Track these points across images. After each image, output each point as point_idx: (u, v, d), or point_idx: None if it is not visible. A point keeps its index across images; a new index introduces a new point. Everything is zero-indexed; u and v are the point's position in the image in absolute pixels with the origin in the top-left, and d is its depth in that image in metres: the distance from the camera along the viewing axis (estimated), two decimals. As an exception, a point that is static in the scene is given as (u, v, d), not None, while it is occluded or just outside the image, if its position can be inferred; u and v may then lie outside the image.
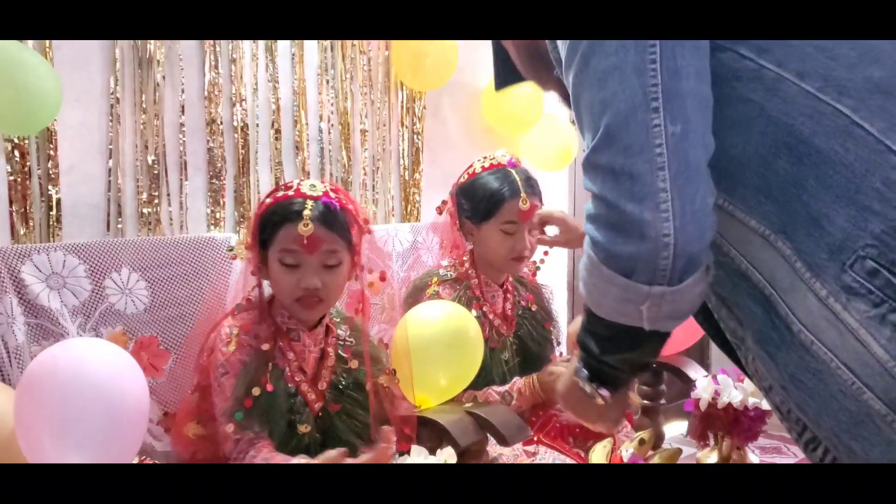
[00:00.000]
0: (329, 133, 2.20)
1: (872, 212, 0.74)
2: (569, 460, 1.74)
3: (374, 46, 2.28)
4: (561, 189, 2.90)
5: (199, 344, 1.51)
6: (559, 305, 2.81)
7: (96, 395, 1.15)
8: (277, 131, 2.08)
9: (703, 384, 1.55)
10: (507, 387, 1.79)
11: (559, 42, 0.85)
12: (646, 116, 0.76)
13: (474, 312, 1.82)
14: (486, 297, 1.90)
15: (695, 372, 1.92)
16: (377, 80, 2.30)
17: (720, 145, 0.80)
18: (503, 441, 1.56)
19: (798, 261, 0.77)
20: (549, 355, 1.96)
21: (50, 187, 1.71)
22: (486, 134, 2.59)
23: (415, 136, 2.42)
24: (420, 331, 1.65)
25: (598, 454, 1.61)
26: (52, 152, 1.71)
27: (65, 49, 1.72)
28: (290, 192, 1.43)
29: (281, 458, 1.33)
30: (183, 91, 1.90)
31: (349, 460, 1.21)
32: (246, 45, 2.00)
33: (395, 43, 2.28)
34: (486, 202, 1.82)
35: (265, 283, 1.50)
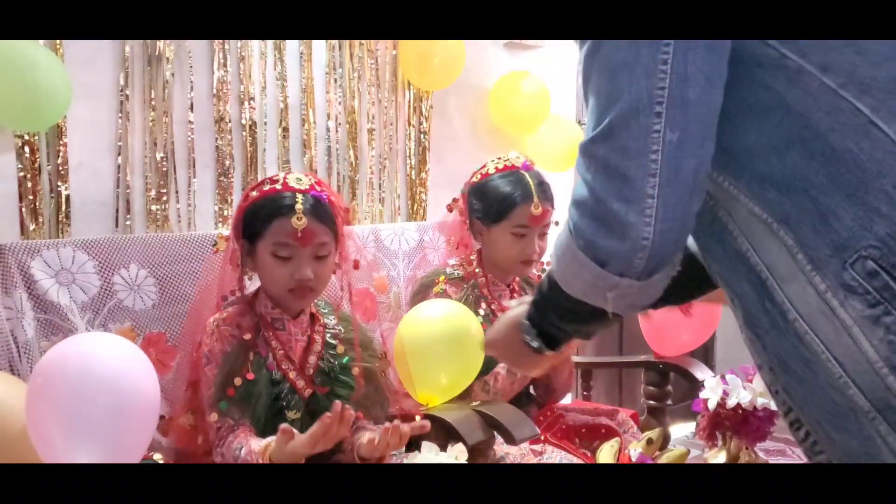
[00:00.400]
0: (336, 132, 2.20)
1: (880, 214, 0.74)
2: (576, 460, 1.74)
3: (382, 46, 2.28)
4: (567, 189, 2.90)
5: (192, 339, 1.55)
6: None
7: (107, 389, 1.15)
8: (285, 129, 2.08)
9: (712, 384, 1.55)
10: (489, 380, 1.80)
11: None
12: (647, 121, 0.78)
13: (482, 311, 1.83)
14: (493, 296, 1.90)
15: (701, 373, 1.92)
16: (384, 79, 2.30)
17: (733, 128, 0.81)
18: (510, 440, 1.56)
19: (799, 252, 0.78)
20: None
21: (59, 183, 1.71)
22: (493, 134, 2.59)
23: (422, 136, 2.42)
24: (420, 329, 1.65)
25: (606, 454, 1.61)
26: (61, 149, 1.71)
27: (75, 46, 1.72)
28: (278, 186, 1.47)
29: (256, 441, 1.36)
30: (192, 89, 1.90)
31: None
32: (254, 43, 2.00)
33: (402, 42, 2.28)
34: (497, 205, 1.82)
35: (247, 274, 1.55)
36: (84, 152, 1.76)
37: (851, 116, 0.76)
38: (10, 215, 1.66)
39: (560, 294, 0.91)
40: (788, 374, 0.82)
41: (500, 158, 1.89)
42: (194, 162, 1.92)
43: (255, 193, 1.49)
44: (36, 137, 1.67)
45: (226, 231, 1.93)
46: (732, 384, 1.53)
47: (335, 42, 2.16)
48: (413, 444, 1.45)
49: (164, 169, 1.86)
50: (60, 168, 1.71)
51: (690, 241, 0.94)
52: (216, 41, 1.92)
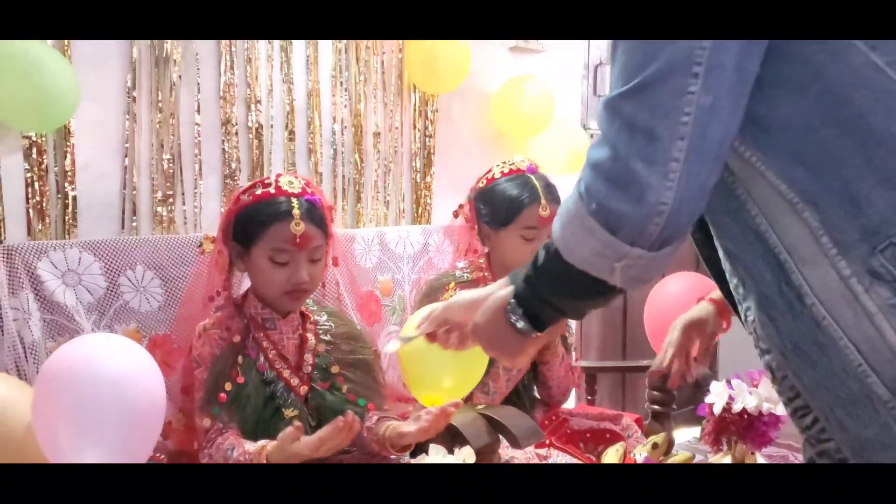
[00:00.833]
0: (342, 135, 2.20)
1: None
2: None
3: (388, 50, 2.28)
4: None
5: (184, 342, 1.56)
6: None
7: (113, 390, 1.16)
8: (291, 132, 2.08)
9: (718, 389, 1.55)
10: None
11: None
12: (684, 81, 0.74)
13: None
14: None
15: (705, 381, 1.92)
16: (390, 82, 2.30)
17: (768, 101, 0.78)
18: (516, 443, 1.56)
19: (825, 235, 0.76)
20: (563, 355, 1.96)
21: (66, 185, 1.71)
22: (497, 138, 2.59)
23: (427, 139, 2.42)
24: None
25: (611, 458, 1.61)
26: (68, 150, 1.71)
27: (83, 48, 1.72)
28: (272, 190, 1.47)
29: (249, 443, 1.37)
30: (199, 91, 1.90)
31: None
32: (261, 46, 2.00)
33: (408, 46, 2.28)
34: (505, 208, 1.82)
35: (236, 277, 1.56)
36: (91, 153, 1.76)
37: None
38: (17, 216, 1.66)
39: (560, 264, 0.85)
40: (801, 359, 0.80)
41: (504, 162, 1.90)
42: (201, 164, 1.92)
43: (246, 197, 1.49)
44: (43, 139, 1.68)
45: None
46: (738, 389, 1.52)
47: (341, 45, 2.17)
48: (420, 448, 1.45)
49: (171, 171, 1.86)
50: (67, 169, 1.71)
51: None
52: (223, 43, 1.93)
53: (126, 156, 1.80)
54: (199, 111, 1.91)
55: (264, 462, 1.31)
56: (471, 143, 2.55)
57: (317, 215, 1.49)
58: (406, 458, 1.50)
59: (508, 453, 1.70)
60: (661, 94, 0.75)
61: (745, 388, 1.52)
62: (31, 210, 1.67)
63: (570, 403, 2.14)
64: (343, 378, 1.53)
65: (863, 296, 0.75)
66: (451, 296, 1.84)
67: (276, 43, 2.03)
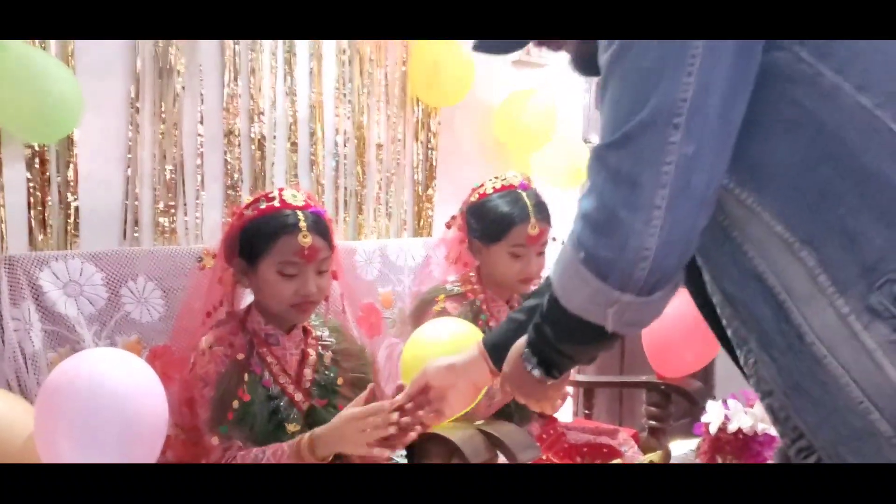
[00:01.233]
0: (345, 146, 2.21)
1: None
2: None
3: (392, 62, 2.29)
4: (571, 207, 2.91)
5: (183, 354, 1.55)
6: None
7: (116, 404, 1.16)
8: (294, 144, 2.09)
9: (714, 409, 1.56)
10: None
11: None
12: (665, 130, 0.77)
13: (480, 327, 1.83)
14: (492, 313, 1.91)
15: (702, 398, 1.93)
16: (393, 94, 2.31)
17: (761, 143, 0.80)
18: (513, 459, 1.56)
19: (822, 274, 0.77)
20: None
21: (69, 194, 1.72)
22: (499, 150, 2.60)
23: (429, 151, 2.43)
24: (426, 350, 1.65)
25: (608, 475, 1.61)
26: (71, 160, 1.72)
27: (87, 58, 1.73)
28: (276, 204, 1.48)
29: (269, 451, 1.39)
30: (202, 102, 1.91)
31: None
32: (265, 57, 2.01)
33: (411, 59, 2.29)
34: (495, 225, 1.83)
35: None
36: (94, 163, 1.76)
37: (887, 137, 0.75)
38: (19, 226, 1.66)
39: (560, 312, 0.90)
40: (803, 398, 0.81)
41: (497, 178, 1.90)
42: (203, 175, 1.93)
43: (250, 212, 1.49)
44: (46, 148, 1.68)
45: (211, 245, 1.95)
46: (734, 409, 1.53)
47: (345, 58, 2.18)
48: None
49: (173, 181, 1.87)
50: (70, 179, 1.72)
51: None
52: (227, 54, 1.94)
53: (129, 166, 1.81)
54: (202, 122, 1.91)
55: (304, 445, 1.35)
56: (473, 155, 2.56)
57: (322, 227, 1.50)
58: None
59: (506, 469, 1.70)
60: (644, 143, 0.78)
61: (740, 409, 1.53)
62: (32, 220, 1.68)
63: (566, 417, 2.15)
64: (341, 396, 1.53)
65: (862, 333, 0.75)
66: (441, 308, 1.86)
67: (280, 54, 2.05)
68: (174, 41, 1.84)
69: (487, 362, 1.21)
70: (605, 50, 0.81)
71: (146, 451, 1.19)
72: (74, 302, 1.59)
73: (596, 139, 2.85)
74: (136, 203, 1.83)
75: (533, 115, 2.52)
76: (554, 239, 1.94)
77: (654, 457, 1.65)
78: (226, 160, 1.97)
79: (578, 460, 1.89)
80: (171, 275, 1.72)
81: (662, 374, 2.08)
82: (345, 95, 2.19)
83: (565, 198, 2.82)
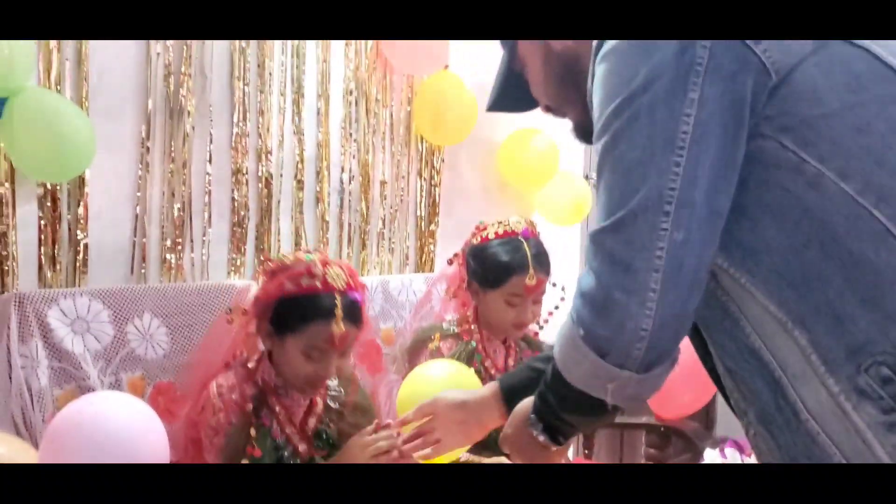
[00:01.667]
0: (350, 183, 2.25)
1: (892, 316, 0.76)
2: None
3: (397, 101, 2.33)
4: (574, 244, 2.94)
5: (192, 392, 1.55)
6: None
7: (119, 449, 1.18)
8: (300, 182, 2.13)
9: (712, 457, 1.57)
10: None
11: (594, 98, 0.88)
12: (656, 219, 0.81)
13: (474, 367, 1.85)
14: (487, 353, 1.92)
15: (700, 439, 1.94)
16: (398, 133, 2.35)
17: (752, 226, 0.83)
18: None
19: (813, 353, 0.79)
20: None
21: (78, 232, 1.75)
22: (502, 188, 2.63)
23: (433, 188, 2.46)
24: (422, 390, 1.66)
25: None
26: (82, 198, 1.76)
27: (100, 98, 1.77)
28: (317, 283, 1.44)
29: None
30: (211, 141, 1.95)
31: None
32: (274, 98, 2.05)
33: (416, 98, 2.33)
34: (494, 272, 1.85)
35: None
36: (104, 201, 1.80)
37: (869, 223, 0.77)
38: (29, 263, 1.69)
39: (562, 384, 0.93)
40: None
41: (500, 223, 1.90)
42: (210, 212, 1.96)
43: (290, 285, 1.45)
44: (58, 187, 1.72)
45: (240, 280, 1.98)
46: (731, 458, 1.55)
47: (352, 98, 2.22)
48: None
49: (181, 219, 1.91)
50: (80, 217, 1.75)
51: None
52: (237, 95, 1.98)
53: (138, 204, 1.84)
54: (210, 161, 1.95)
55: None
56: (476, 192, 2.59)
57: (356, 314, 1.48)
58: None
59: None
60: (636, 231, 0.82)
61: (737, 458, 1.54)
62: (43, 256, 1.71)
63: (567, 458, 2.15)
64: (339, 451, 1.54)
65: (852, 413, 0.77)
66: (436, 347, 1.88)
67: (289, 94, 2.09)
68: (185, 81, 1.88)
69: (500, 406, 1.23)
70: (599, 137, 0.86)
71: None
72: (81, 339, 1.62)
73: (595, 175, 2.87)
74: (145, 240, 1.86)
75: (535, 153, 2.55)
76: (554, 285, 1.96)
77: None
78: (233, 198, 2.00)
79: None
80: (177, 312, 1.75)
81: (661, 415, 2.09)
82: (351, 135, 2.23)
83: (569, 233, 2.85)
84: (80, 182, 1.75)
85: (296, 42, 2.08)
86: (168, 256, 1.90)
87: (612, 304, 0.84)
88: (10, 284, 1.66)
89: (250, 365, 1.49)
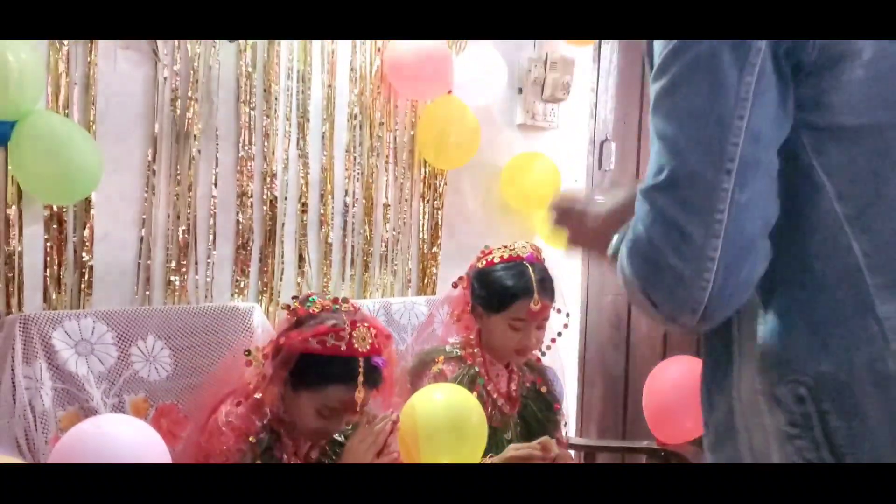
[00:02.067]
0: (353, 206, 2.26)
1: (827, 349, 0.76)
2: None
3: (401, 126, 2.35)
4: (576, 268, 2.95)
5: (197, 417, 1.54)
6: (569, 382, 2.83)
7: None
8: (304, 205, 2.14)
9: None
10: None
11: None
12: (716, 177, 0.73)
13: (475, 391, 1.85)
14: (489, 377, 1.93)
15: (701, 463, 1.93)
16: (402, 158, 2.37)
17: None
18: None
19: (759, 348, 0.79)
20: (554, 437, 1.98)
21: (84, 254, 1.77)
22: (505, 211, 2.65)
23: (435, 211, 2.48)
24: (423, 415, 1.67)
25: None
26: (88, 220, 1.77)
27: (108, 122, 1.80)
28: (342, 347, 1.42)
29: None
30: (217, 164, 1.97)
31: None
32: (279, 123, 2.07)
33: (420, 123, 2.35)
34: (498, 296, 1.85)
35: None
36: (110, 224, 1.82)
37: (843, 254, 0.77)
38: (35, 285, 1.71)
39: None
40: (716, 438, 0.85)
41: (506, 247, 1.91)
42: (215, 234, 1.97)
43: (315, 343, 1.42)
44: (65, 209, 1.74)
45: (243, 302, 1.99)
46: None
47: (356, 122, 2.24)
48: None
49: (186, 241, 1.92)
50: (86, 239, 1.77)
51: None
52: (242, 120, 2.00)
53: (143, 226, 1.86)
54: (216, 184, 1.97)
55: None
56: (478, 216, 2.61)
57: (377, 378, 1.48)
58: None
59: None
60: (693, 189, 0.74)
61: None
62: (48, 278, 1.72)
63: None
64: None
65: (766, 413, 0.78)
66: (439, 370, 1.88)
67: (294, 119, 2.11)
68: (192, 105, 1.90)
69: None
70: (656, 80, 0.78)
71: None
72: (85, 360, 1.63)
73: (601, 199, 2.89)
74: (149, 262, 1.87)
75: (538, 177, 2.57)
76: (559, 311, 1.97)
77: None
78: (238, 220, 2.02)
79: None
80: (180, 334, 1.76)
81: (662, 439, 2.09)
82: (355, 158, 2.25)
83: (568, 259, 2.86)
84: (87, 204, 1.77)
85: (301, 67, 2.11)
86: (172, 278, 1.91)
87: (665, 267, 0.75)
88: (16, 305, 1.67)
89: (258, 396, 1.47)
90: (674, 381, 2.06)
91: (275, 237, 2.09)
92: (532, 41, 2.61)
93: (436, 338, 2.21)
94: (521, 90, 2.64)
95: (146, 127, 1.86)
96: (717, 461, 0.85)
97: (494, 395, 1.91)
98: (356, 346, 1.43)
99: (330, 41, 2.15)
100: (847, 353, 0.75)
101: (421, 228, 2.46)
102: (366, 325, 1.46)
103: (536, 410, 1.97)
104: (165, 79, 1.87)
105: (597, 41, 2.78)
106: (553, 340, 2.03)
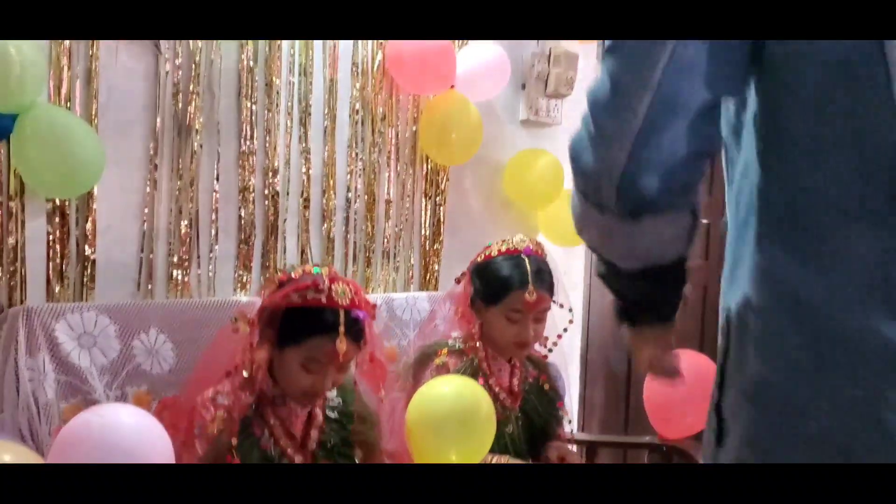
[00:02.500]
0: (355, 202, 2.27)
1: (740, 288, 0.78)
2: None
3: (403, 122, 2.36)
4: (577, 265, 2.95)
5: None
6: (572, 379, 2.83)
7: (125, 458, 1.19)
8: (306, 200, 2.14)
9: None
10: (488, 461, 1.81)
11: None
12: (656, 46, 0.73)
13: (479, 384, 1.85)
14: (492, 371, 1.93)
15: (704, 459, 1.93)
16: (404, 153, 2.37)
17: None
18: None
19: (723, 359, 0.83)
20: (556, 432, 1.98)
21: (86, 247, 1.77)
22: (507, 208, 2.65)
23: (437, 207, 2.48)
24: (431, 407, 1.67)
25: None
26: (90, 214, 1.78)
27: (109, 116, 1.80)
28: (323, 299, 1.45)
29: None
30: (219, 159, 1.97)
31: None
32: (281, 118, 2.08)
33: (422, 119, 2.35)
34: (494, 287, 1.87)
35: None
36: (112, 218, 1.82)
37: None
38: (38, 278, 1.71)
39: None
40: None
41: (504, 241, 1.92)
42: (217, 229, 1.98)
43: (296, 298, 1.46)
44: (67, 203, 1.74)
45: (246, 297, 1.99)
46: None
47: (358, 117, 2.24)
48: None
49: (188, 236, 1.92)
50: (88, 233, 1.77)
51: None
52: (244, 114, 2.00)
53: (145, 221, 1.86)
54: (217, 178, 1.97)
55: None
56: (480, 212, 2.61)
57: (359, 331, 1.50)
58: None
59: None
60: (633, 48, 0.74)
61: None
62: (51, 272, 1.73)
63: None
64: (346, 458, 1.55)
65: (710, 424, 0.84)
66: (442, 363, 1.89)
67: (296, 114, 2.11)
68: (194, 99, 1.90)
69: None
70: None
71: None
72: (88, 353, 1.63)
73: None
74: (152, 256, 1.88)
75: (540, 174, 2.57)
76: (561, 306, 1.97)
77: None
78: (240, 215, 2.02)
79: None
80: (183, 327, 1.76)
81: (664, 435, 2.09)
82: (357, 154, 2.25)
83: (573, 254, 2.86)
84: (89, 198, 1.77)
85: (303, 61, 2.11)
86: (175, 273, 1.91)
87: (596, 125, 0.77)
88: (19, 298, 1.68)
89: (245, 374, 1.49)
90: (676, 375, 2.05)
91: (277, 232, 2.09)
92: (534, 37, 2.61)
93: (439, 334, 2.21)
94: (524, 86, 2.64)
95: (148, 121, 1.86)
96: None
97: (496, 389, 1.91)
98: (336, 299, 1.46)
99: (332, 36, 2.16)
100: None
101: (423, 225, 2.46)
102: (345, 282, 1.50)
103: (538, 405, 1.97)
104: (167, 73, 1.87)
105: (599, 37, 2.78)
106: (559, 337, 2.03)
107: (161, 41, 1.86)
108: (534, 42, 2.63)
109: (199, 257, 1.95)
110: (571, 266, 2.90)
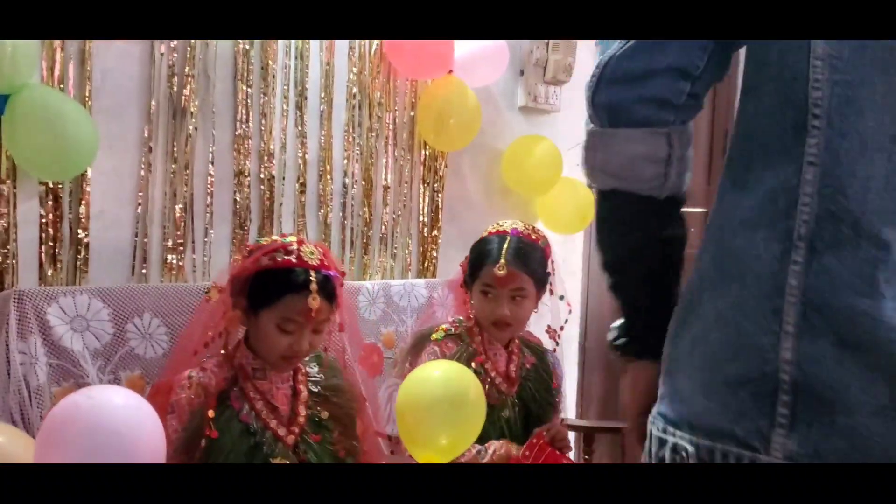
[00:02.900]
0: (352, 188, 2.25)
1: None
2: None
3: (400, 107, 2.34)
4: (576, 252, 2.93)
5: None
6: (570, 366, 2.81)
7: (115, 441, 1.17)
8: (303, 185, 2.13)
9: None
10: (487, 448, 1.80)
11: None
12: None
13: (473, 366, 1.85)
14: (487, 354, 1.93)
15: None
16: (402, 139, 2.35)
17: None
18: None
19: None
20: (552, 419, 1.97)
21: (80, 231, 1.76)
22: (505, 195, 2.63)
23: (436, 194, 2.46)
24: (420, 390, 1.67)
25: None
26: (84, 197, 1.76)
27: (103, 98, 1.78)
28: (293, 259, 1.48)
29: None
30: (214, 142, 1.95)
31: None
32: (277, 101, 2.06)
33: (420, 104, 2.33)
34: (473, 263, 1.94)
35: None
36: (106, 201, 1.80)
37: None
38: (30, 261, 1.70)
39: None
40: None
41: (498, 223, 1.98)
42: (212, 214, 1.96)
43: (266, 260, 1.48)
44: (60, 186, 1.72)
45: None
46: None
47: (355, 102, 2.22)
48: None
49: (182, 220, 1.91)
50: (82, 216, 1.76)
51: None
52: (239, 98, 1.98)
53: (139, 204, 1.85)
54: (212, 162, 1.95)
55: None
56: (479, 199, 2.59)
57: (331, 290, 1.51)
58: None
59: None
60: None
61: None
62: (43, 255, 1.71)
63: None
64: (329, 431, 1.55)
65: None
66: (439, 337, 1.90)
67: (292, 98, 2.09)
68: (188, 82, 1.88)
69: None
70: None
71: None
72: (80, 337, 1.62)
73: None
74: (146, 240, 1.86)
75: (539, 160, 2.55)
76: (552, 293, 1.97)
77: None
78: (235, 199, 2.00)
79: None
80: (177, 312, 1.75)
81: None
82: (354, 139, 2.23)
83: (572, 241, 2.85)
84: (82, 181, 1.76)
85: (299, 44, 2.09)
86: (169, 257, 1.90)
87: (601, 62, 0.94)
88: (11, 282, 1.66)
89: (223, 350, 1.51)
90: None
91: (273, 217, 2.08)
92: (533, 22, 2.58)
93: (437, 321, 2.21)
94: (522, 72, 2.62)
95: (142, 103, 1.84)
96: None
97: (493, 374, 1.91)
98: (305, 259, 1.48)
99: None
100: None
101: (421, 212, 2.44)
102: (314, 244, 1.53)
103: (535, 391, 1.96)
104: (162, 55, 1.85)
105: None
106: (561, 328, 2.03)
107: (155, 23, 1.84)
108: (533, 27, 2.60)
109: (193, 241, 1.94)
110: (570, 253, 2.88)
